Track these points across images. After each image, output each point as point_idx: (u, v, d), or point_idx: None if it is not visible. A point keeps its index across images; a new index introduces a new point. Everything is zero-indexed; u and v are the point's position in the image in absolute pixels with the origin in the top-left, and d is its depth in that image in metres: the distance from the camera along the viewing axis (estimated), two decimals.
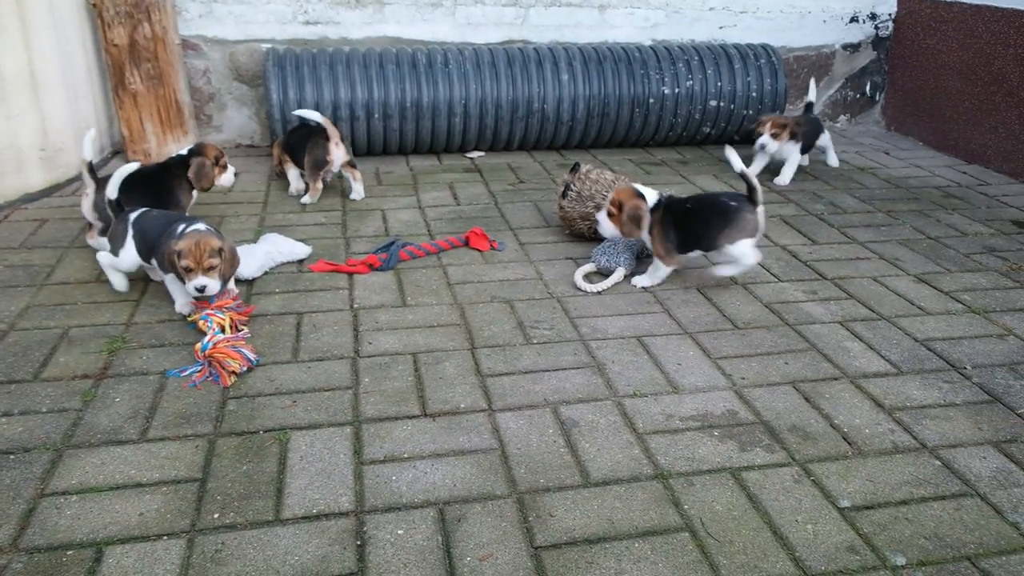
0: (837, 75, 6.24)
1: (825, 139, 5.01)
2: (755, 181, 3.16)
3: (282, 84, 4.70)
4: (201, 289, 2.76)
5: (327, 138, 4.12)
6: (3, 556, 1.87)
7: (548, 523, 2.02)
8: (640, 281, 3.34)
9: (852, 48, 6.18)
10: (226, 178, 3.74)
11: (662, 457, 2.27)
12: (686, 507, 2.08)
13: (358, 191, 4.32)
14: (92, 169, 3.33)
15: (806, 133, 4.73)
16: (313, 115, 4.14)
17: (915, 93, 5.96)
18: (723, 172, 4.94)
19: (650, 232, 3.27)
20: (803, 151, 4.78)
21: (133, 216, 3.04)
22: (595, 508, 2.07)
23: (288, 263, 3.48)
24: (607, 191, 3.66)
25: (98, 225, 3.41)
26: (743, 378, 2.68)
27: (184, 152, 3.62)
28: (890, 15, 6.13)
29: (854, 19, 6.09)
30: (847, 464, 2.26)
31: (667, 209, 3.24)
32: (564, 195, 3.75)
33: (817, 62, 6.15)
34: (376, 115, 4.84)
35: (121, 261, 3.06)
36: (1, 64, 3.92)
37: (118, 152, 5.00)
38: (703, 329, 3.00)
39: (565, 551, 1.93)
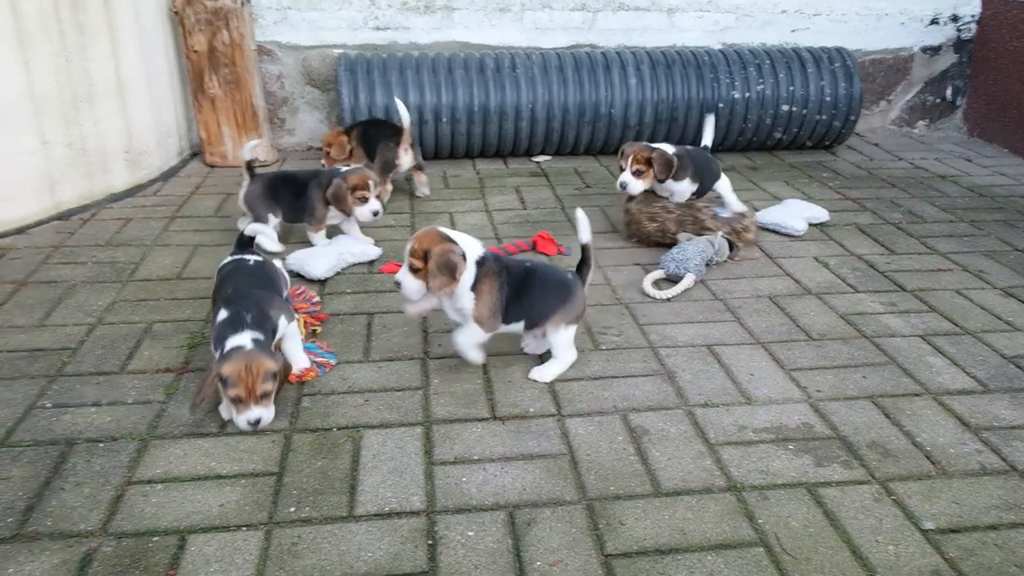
0: (916, 79, 6.06)
1: (723, 184, 3.75)
2: (591, 255, 2.70)
3: (353, 88, 4.79)
4: (256, 423, 2.25)
5: (398, 142, 4.18)
6: (94, 539, 1.94)
7: (619, 531, 2.00)
8: (461, 345, 2.63)
9: (932, 51, 5.99)
10: (361, 212, 3.53)
11: (735, 469, 2.23)
12: (760, 521, 2.04)
13: (423, 191, 4.43)
14: (250, 166, 3.64)
15: (700, 171, 3.64)
16: (403, 112, 4.19)
17: (1000, 98, 5.74)
18: (795, 179, 4.85)
19: (474, 289, 2.54)
20: (698, 195, 3.71)
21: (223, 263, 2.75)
22: (666, 518, 2.05)
23: (359, 264, 3.54)
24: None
25: (249, 215, 3.61)
26: (819, 391, 2.62)
27: (341, 169, 3.58)
28: (973, 17, 5.92)
29: (935, 21, 5.90)
30: (931, 484, 2.18)
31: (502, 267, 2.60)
32: (631, 197, 3.73)
33: (894, 65, 5.98)
34: (444, 119, 4.89)
35: None
36: (91, 70, 4.09)
37: (196, 154, 5.17)
38: (776, 339, 2.94)
39: (636, 560, 1.91)
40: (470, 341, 2.59)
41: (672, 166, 3.53)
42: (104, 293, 3.22)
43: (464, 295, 2.53)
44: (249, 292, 2.49)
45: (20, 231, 3.85)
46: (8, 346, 2.82)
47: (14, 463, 2.21)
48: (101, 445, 2.29)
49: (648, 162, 3.54)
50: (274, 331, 2.44)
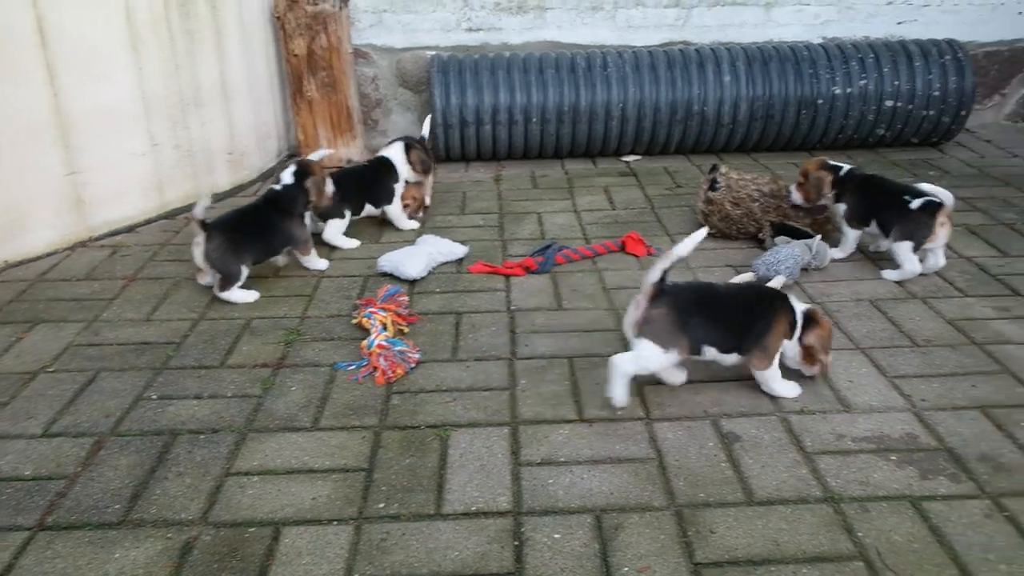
0: None
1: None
2: None
3: (445, 89, 4.84)
4: None
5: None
6: (194, 528, 2.03)
7: (709, 539, 1.95)
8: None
9: None
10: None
11: (832, 479, 2.14)
12: (860, 534, 1.95)
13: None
14: (204, 223, 3.15)
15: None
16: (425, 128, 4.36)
17: None
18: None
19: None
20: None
21: None
22: (759, 528, 1.98)
23: (447, 264, 3.58)
24: (754, 187, 3.66)
25: (210, 274, 3.25)
26: (923, 400, 2.49)
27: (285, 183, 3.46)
28: None
29: None
30: None
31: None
32: (712, 188, 3.70)
33: (1011, 57, 5.63)
34: (534, 119, 4.88)
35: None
36: (199, 75, 4.28)
37: (293, 155, 5.33)
38: (878, 345, 2.81)
39: (727, 570, 1.86)
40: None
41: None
42: (206, 290, 3.35)
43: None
44: None
45: (130, 229, 4.06)
46: (118, 339, 2.98)
47: (122, 452, 2.33)
48: (202, 437, 2.39)
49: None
50: None
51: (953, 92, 4.94)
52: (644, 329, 2.39)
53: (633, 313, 2.41)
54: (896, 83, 4.93)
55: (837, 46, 5.06)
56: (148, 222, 4.14)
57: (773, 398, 2.51)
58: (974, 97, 5.07)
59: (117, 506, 2.11)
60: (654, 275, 2.37)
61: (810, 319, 2.50)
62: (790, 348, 2.50)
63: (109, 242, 3.93)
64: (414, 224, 4.04)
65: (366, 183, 3.96)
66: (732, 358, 2.49)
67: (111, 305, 3.26)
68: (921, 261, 3.28)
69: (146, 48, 3.97)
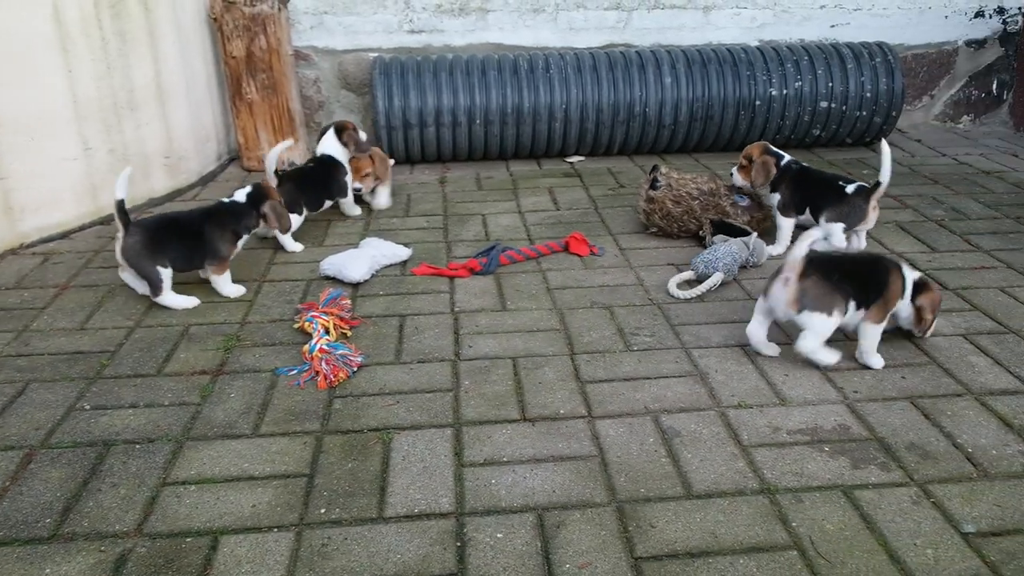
0: (960, 73, 5.91)
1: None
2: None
3: (388, 92, 4.82)
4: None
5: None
6: (129, 540, 1.98)
7: (649, 534, 1.98)
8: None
9: (977, 44, 5.84)
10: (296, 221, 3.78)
11: (768, 471, 2.20)
12: (794, 524, 2.00)
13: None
14: (123, 210, 3.07)
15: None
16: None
17: None
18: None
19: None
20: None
21: None
22: (698, 521, 2.02)
23: (391, 266, 3.56)
24: (694, 186, 3.73)
25: (130, 271, 3.17)
26: (855, 392, 2.56)
27: (236, 199, 3.38)
28: (1020, 9, 5.76)
29: (979, 14, 5.75)
30: (972, 487, 2.12)
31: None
32: (653, 186, 3.76)
33: (938, 60, 5.84)
34: (477, 121, 4.89)
35: None
36: (133, 77, 4.18)
37: (234, 159, 5.25)
38: None
39: (666, 564, 1.89)
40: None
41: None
42: (143, 297, 3.28)
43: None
44: None
45: (63, 236, 3.95)
46: (50, 349, 2.90)
47: (53, 464, 2.26)
48: (137, 447, 2.34)
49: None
50: None
51: (884, 93, 5.10)
52: (803, 302, 2.59)
53: (783, 293, 2.60)
54: (830, 85, 5.07)
55: (773, 48, 5.18)
56: (82, 228, 4.03)
57: (712, 394, 2.56)
58: (904, 98, 5.25)
59: (48, 520, 2.05)
60: (802, 250, 2.56)
61: (921, 285, 2.73)
62: (904, 308, 2.72)
63: (41, 249, 3.82)
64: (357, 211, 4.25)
65: (319, 182, 4.05)
66: (860, 315, 2.67)
67: (42, 314, 3.17)
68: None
69: (76, 49, 3.87)
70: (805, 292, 2.57)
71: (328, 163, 4.08)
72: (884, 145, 3.39)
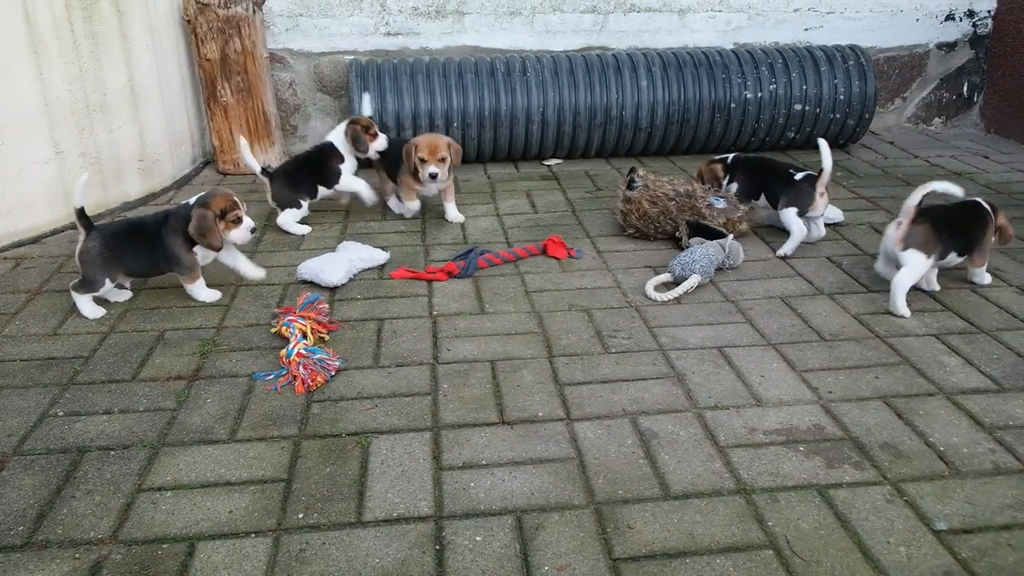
0: (931, 76, 6.00)
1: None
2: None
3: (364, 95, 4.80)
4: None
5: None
6: (104, 547, 1.96)
7: (627, 535, 1.99)
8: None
9: (948, 47, 5.93)
10: (237, 235, 3.22)
11: (745, 472, 2.22)
12: (770, 524, 2.02)
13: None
14: (83, 215, 3.07)
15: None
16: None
17: (1017, 93, 5.67)
18: None
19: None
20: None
21: None
22: (675, 522, 2.03)
23: (369, 270, 3.55)
24: (670, 187, 3.80)
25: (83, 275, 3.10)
26: (830, 392, 2.60)
27: (189, 202, 3.20)
28: (989, 12, 5.86)
29: (950, 17, 5.84)
30: (943, 485, 2.15)
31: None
32: (630, 187, 3.83)
33: (909, 62, 5.93)
34: (455, 124, 4.89)
35: None
36: (105, 80, 4.14)
37: (209, 162, 5.21)
38: (787, 340, 2.92)
39: (644, 564, 1.90)
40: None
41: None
42: (116, 302, 3.24)
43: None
44: None
45: (35, 240, 3.90)
46: (22, 355, 2.86)
47: (26, 472, 2.23)
48: (112, 453, 2.31)
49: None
50: None
51: (857, 96, 5.17)
52: (909, 242, 3.02)
53: (896, 233, 3.04)
54: (804, 87, 5.13)
55: (748, 52, 5.23)
56: (54, 232, 3.98)
57: (689, 395, 2.58)
58: (876, 101, 5.32)
59: (21, 528, 2.02)
60: (915, 199, 3.00)
61: (996, 211, 3.21)
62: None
63: (12, 254, 3.77)
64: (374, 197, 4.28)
65: (314, 168, 4.15)
66: (959, 261, 3.17)
67: (14, 320, 3.12)
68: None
69: (47, 52, 3.82)
70: (912, 234, 3.00)
71: (325, 150, 4.16)
72: (822, 142, 3.69)
